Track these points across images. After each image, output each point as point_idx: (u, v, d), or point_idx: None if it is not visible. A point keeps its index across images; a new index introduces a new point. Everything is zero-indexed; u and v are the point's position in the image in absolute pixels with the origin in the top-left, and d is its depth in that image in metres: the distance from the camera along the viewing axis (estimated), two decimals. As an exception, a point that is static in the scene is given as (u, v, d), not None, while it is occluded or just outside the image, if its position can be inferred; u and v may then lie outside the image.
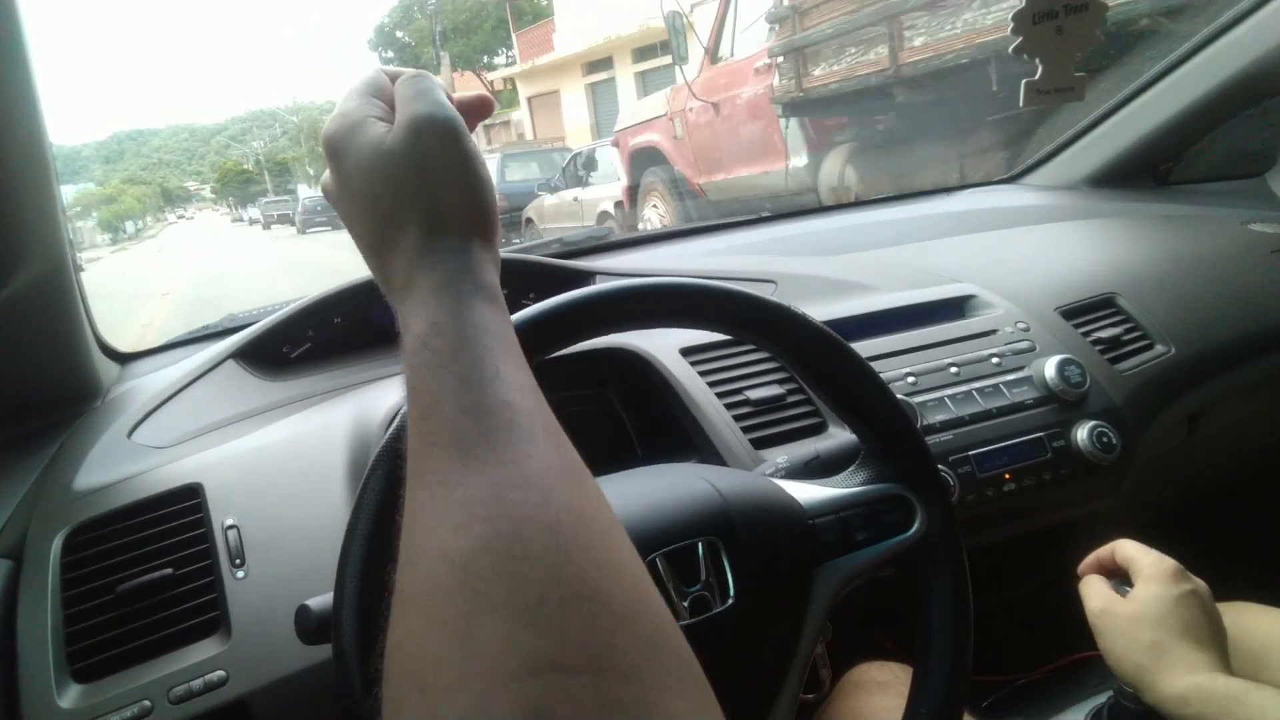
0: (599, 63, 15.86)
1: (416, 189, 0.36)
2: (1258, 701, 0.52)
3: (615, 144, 6.70)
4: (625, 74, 14.91)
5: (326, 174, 0.40)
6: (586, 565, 0.24)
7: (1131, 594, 0.63)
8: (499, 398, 0.30)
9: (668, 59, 6.99)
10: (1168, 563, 0.64)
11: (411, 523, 0.28)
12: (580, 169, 7.41)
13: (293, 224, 23.63)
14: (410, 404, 0.31)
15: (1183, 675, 0.56)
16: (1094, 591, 0.65)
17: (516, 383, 0.31)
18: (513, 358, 0.33)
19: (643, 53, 14.02)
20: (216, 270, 11.74)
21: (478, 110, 0.42)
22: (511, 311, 0.47)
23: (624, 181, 6.57)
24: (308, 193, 28.84)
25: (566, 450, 0.31)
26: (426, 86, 0.38)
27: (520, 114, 19.89)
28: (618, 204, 6.60)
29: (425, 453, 0.29)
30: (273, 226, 25.39)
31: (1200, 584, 0.63)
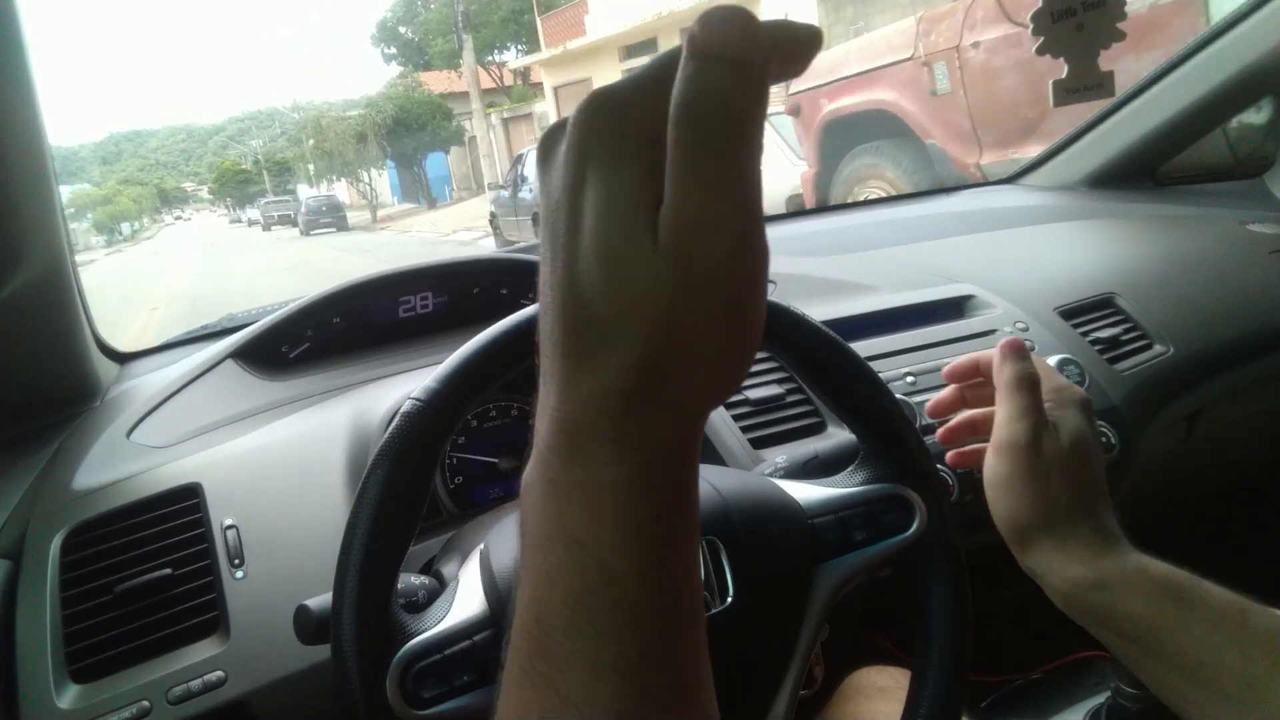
0: (641, 45, 14.43)
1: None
2: (1205, 611, 0.43)
3: (793, 112, 4.52)
4: (672, 57, 14.19)
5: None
6: None
7: (1079, 431, 0.50)
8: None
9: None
10: (1080, 392, 0.53)
11: None
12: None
13: (294, 225, 22.50)
14: (536, 686, 0.23)
15: (1089, 550, 0.46)
16: (1017, 406, 0.49)
17: (703, 702, 0.24)
18: (702, 635, 0.25)
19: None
20: (214, 284, 10.95)
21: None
22: (512, 311, 0.47)
23: (807, 166, 4.49)
24: (309, 192, 27.52)
25: None
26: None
27: (545, 106, 18.88)
28: (793, 198, 4.64)
29: None
30: (274, 228, 24.33)
31: None
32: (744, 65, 0.20)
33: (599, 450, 0.23)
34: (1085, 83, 0.77)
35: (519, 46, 24.66)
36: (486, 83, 22.99)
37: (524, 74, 23.48)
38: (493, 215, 11.08)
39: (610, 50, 15.35)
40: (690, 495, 0.25)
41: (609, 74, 15.20)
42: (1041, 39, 0.75)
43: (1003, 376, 0.51)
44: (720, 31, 0.20)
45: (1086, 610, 0.47)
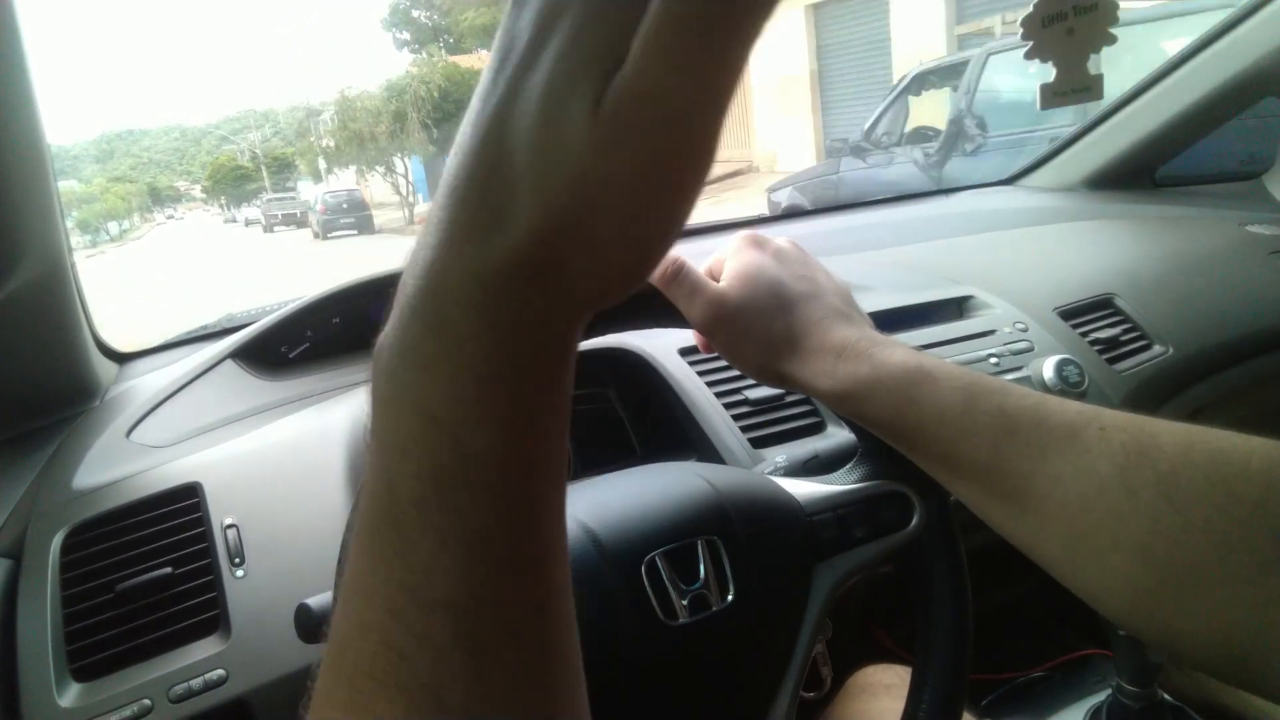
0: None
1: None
2: (933, 389, 0.41)
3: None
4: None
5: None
6: None
7: (727, 274, 0.48)
8: (525, 612, 0.23)
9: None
10: (741, 232, 0.51)
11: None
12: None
13: (301, 225, 19.59)
14: (387, 557, 0.22)
15: (827, 361, 0.44)
16: (694, 290, 0.47)
17: (556, 581, 0.24)
18: (562, 521, 0.25)
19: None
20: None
21: None
22: None
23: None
24: (315, 190, 23.36)
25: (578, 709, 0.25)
26: None
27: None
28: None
29: (383, 686, 0.21)
30: (276, 229, 20.73)
31: None
32: None
33: (466, 322, 0.21)
34: (1074, 86, 0.77)
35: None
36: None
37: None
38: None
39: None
40: (561, 383, 0.23)
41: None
42: (1031, 43, 0.76)
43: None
44: None
45: (847, 415, 0.46)
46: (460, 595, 0.22)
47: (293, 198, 23.95)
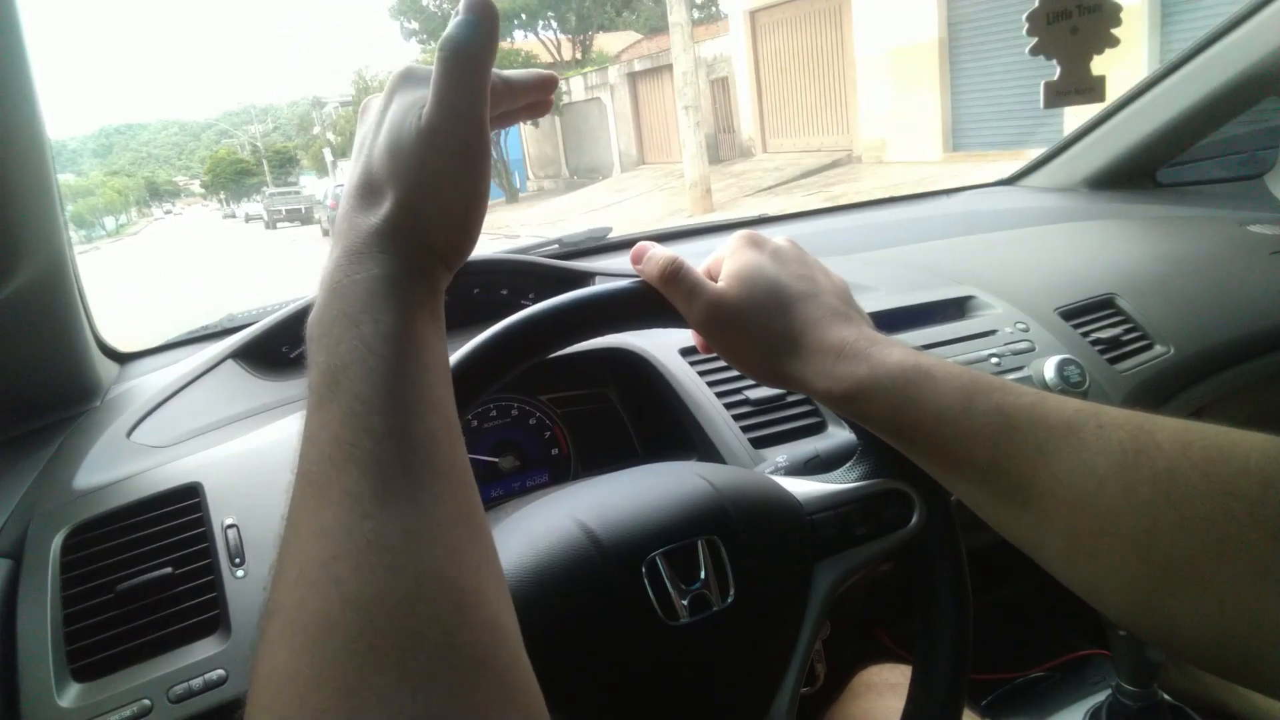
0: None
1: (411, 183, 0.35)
2: (935, 386, 0.41)
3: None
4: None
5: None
6: (479, 629, 0.25)
7: (725, 274, 0.48)
8: (428, 431, 0.30)
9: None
10: (740, 232, 0.51)
11: (308, 537, 0.27)
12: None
13: (307, 222, 17.96)
14: (336, 403, 0.30)
15: (826, 362, 0.44)
16: (693, 291, 0.47)
17: (446, 416, 0.32)
18: (447, 385, 0.33)
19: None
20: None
21: (536, 90, 0.41)
22: (510, 312, 0.47)
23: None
24: (322, 184, 21.35)
25: (473, 496, 0.31)
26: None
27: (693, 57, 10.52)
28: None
29: (342, 466, 0.28)
30: (279, 225, 19.12)
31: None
32: (480, 22, 0.35)
33: (372, 261, 0.33)
34: (1077, 86, 0.77)
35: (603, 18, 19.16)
36: (545, 55, 18.71)
37: (584, 44, 19.41)
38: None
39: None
40: (435, 301, 0.35)
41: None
42: (1036, 40, 0.76)
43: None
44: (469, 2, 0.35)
45: (847, 415, 0.47)
46: (386, 402, 0.30)
47: (296, 192, 21.83)
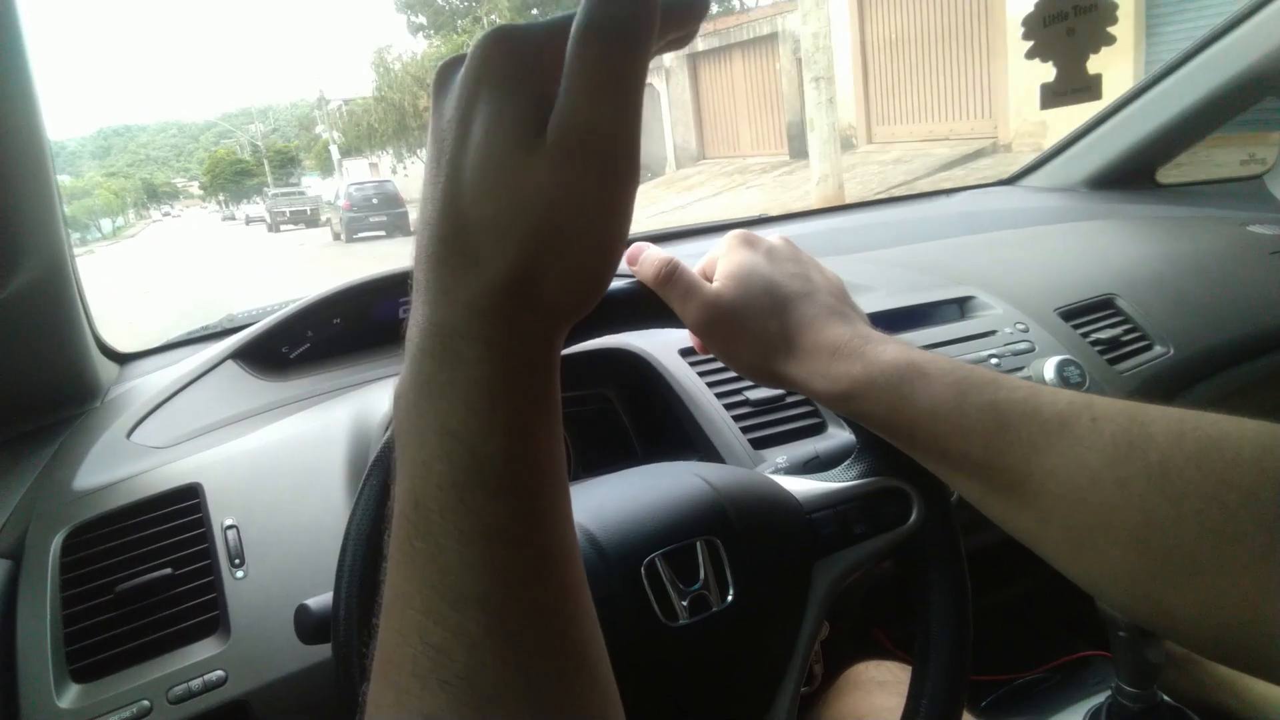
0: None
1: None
2: (928, 385, 0.40)
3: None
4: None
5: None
6: None
7: (720, 275, 0.47)
8: (548, 615, 0.25)
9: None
10: (733, 232, 0.50)
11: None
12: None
13: (312, 224, 16.79)
14: (414, 562, 0.25)
15: (821, 361, 0.43)
16: (688, 292, 0.47)
17: (567, 581, 0.27)
18: (568, 520, 0.28)
19: None
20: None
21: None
22: None
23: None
24: (328, 185, 19.75)
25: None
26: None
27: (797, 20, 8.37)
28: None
29: (425, 682, 0.24)
30: (283, 228, 17.59)
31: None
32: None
33: (470, 350, 0.26)
34: (1074, 85, 0.77)
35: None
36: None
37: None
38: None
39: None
40: (552, 388, 0.28)
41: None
42: (1032, 43, 0.76)
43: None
44: None
45: (844, 414, 0.47)
46: (486, 588, 0.24)
47: (301, 193, 20.21)
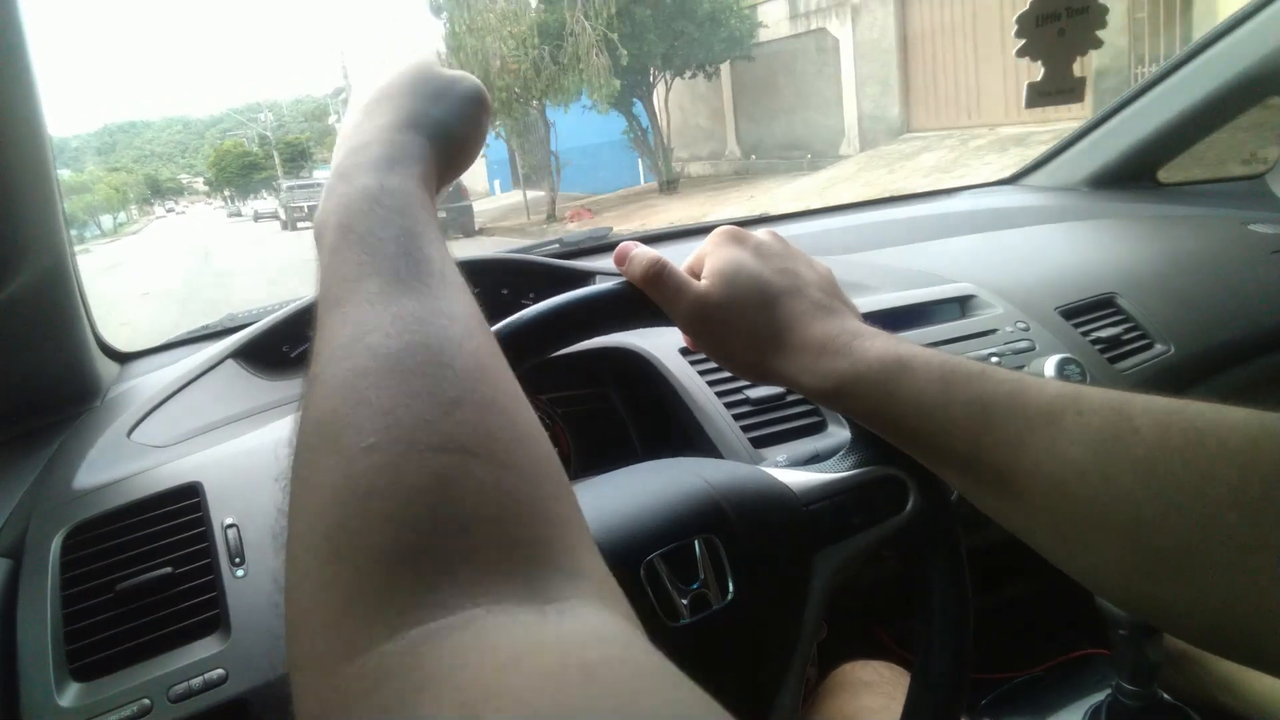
0: None
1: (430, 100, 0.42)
2: (916, 379, 0.41)
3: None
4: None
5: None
6: (496, 388, 0.27)
7: (708, 272, 0.48)
8: (435, 254, 0.32)
9: None
10: (722, 228, 0.51)
11: (336, 329, 0.29)
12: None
13: None
14: (344, 240, 0.32)
15: (810, 357, 0.44)
16: (675, 288, 0.47)
17: (446, 254, 0.34)
18: (442, 241, 0.35)
19: None
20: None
21: None
22: (511, 312, 0.47)
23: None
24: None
25: (479, 311, 0.33)
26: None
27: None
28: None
29: (360, 277, 0.30)
30: (300, 225, 15.15)
31: None
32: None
33: (379, 149, 0.38)
34: (1059, 86, 0.78)
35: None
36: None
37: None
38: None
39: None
40: (430, 186, 0.38)
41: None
42: (1024, 41, 0.76)
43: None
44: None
45: (836, 410, 0.48)
46: (393, 249, 0.32)
47: (318, 185, 14.50)
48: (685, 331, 0.49)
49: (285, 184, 19.87)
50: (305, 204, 15.68)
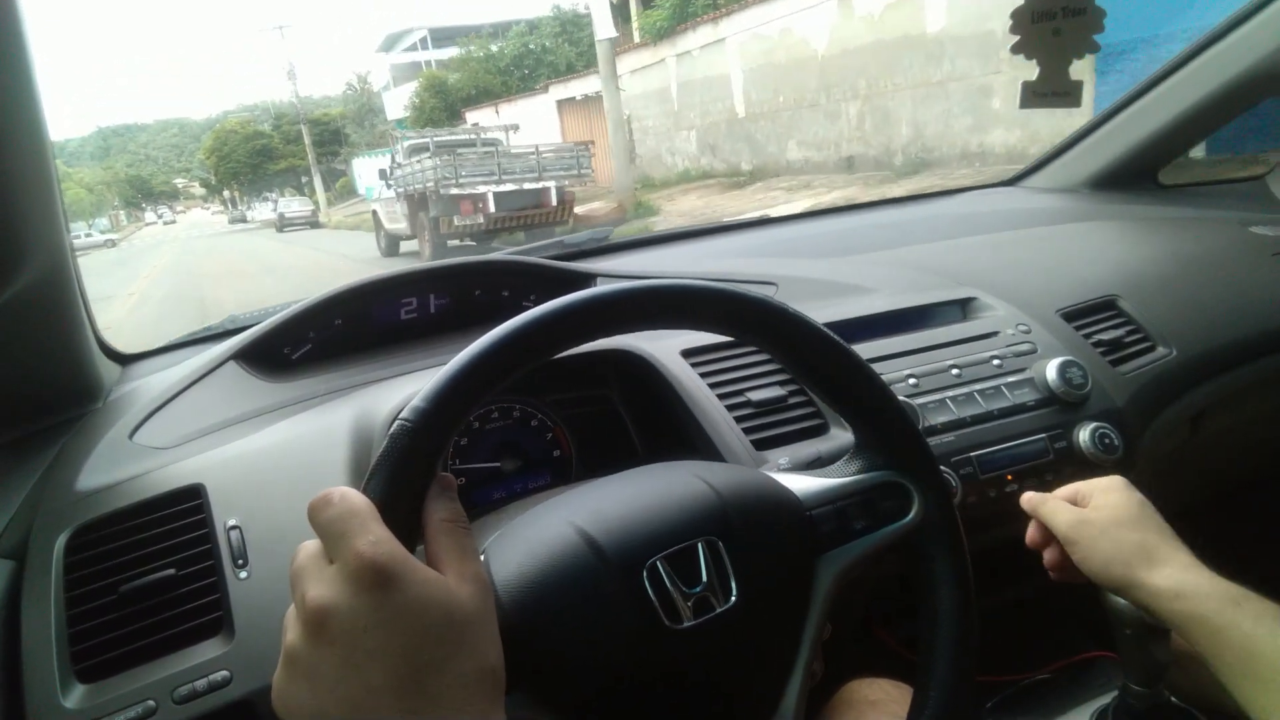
0: None
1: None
2: (1253, 610, 0.53)
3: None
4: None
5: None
6: None
7: (1097, 503, 0.64)
8: None
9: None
10: (1114, 476, 0.67)
11: None
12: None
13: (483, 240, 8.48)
14: None
15: (1175, 570, 0.57)
16: (1059, 508, 0.66)
17: None
18: None
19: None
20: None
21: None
22: (513, 314, 0.47)
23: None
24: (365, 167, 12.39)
25: None
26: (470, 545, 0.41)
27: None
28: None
29: None
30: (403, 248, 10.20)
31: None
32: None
33: None
34: (1055, 89, 0.78)
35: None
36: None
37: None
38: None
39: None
40: None
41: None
42: (1019, 37, 0.76)
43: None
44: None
45: (1174, 620, 0.57)
46: None
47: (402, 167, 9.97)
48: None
49: (387, 161, 10.56)
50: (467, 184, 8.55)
